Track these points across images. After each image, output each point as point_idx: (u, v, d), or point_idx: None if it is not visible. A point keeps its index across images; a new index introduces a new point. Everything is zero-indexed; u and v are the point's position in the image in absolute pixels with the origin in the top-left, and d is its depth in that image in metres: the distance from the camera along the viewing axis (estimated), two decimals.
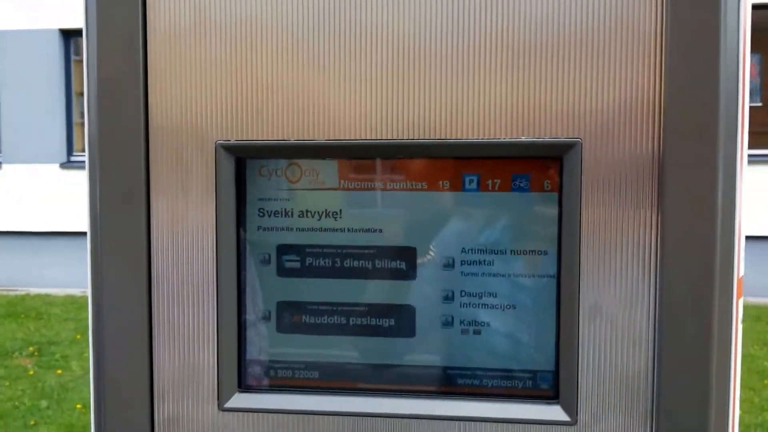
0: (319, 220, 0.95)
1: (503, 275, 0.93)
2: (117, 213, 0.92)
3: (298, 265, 0.95)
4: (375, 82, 0.89)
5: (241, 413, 0.94)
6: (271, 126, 0.91)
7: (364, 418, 0.93)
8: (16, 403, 6.06)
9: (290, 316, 0.96)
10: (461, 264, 0.93)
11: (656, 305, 0.87)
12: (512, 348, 0.94)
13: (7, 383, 6.46)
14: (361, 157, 0.93)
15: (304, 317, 0.96)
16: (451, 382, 0.94)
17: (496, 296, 0.93)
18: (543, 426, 0.90)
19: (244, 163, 0.94)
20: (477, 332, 0.94)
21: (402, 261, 0.94)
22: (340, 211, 0.94)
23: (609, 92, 0.85)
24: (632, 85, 0.85)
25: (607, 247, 0.88)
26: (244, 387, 0.95)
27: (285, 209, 0.95)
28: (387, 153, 0.92)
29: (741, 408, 5.71)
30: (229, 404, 0.94)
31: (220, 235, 0.92)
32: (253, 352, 0.96)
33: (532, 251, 0.92)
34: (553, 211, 0.90)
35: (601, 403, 0.89)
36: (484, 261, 0.93)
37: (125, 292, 0.92)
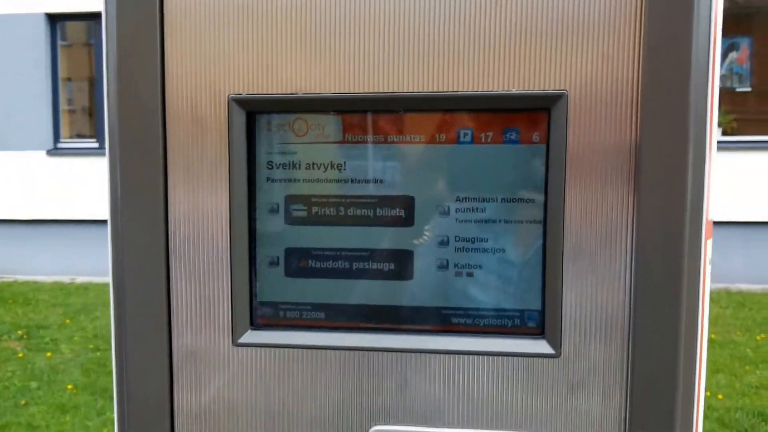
0: (324, 171, 1.02)
1: (494, 221, 1.01)
2: (136, 160, 0.99)
3: (304, 213, 1.03)
4: (377, 38, 0.97)
5: (252, 348, 1.02)
6: (280, 80, 0.98)
7: (366, 352, 1.01)
8: (6, 384, 6.11)
9: (297, 262, 1.04)
10: (456, 211, 1.01)
11: (633, 246, 0.95)
12: (502, 289, 1.02)
13: None
14: (363, 110, 1.00)
15: (310, 262, 1.03)
16: (445, 321, 1.03)
17: (487, 241, 1.01)
18: (530, 358, 0.98)
19: (254, 118, 1.01)
20: (470, 274, 1.02)
21: (401, 209, 1.02)
22: (344, 163, 1.02)
23: (593, 46, 0.93)
24: (615, 40, 0.93)
25: (590, 194, 0.96)
26: (255, 325, 1.03)
27: (292, 162, 1.02)
28: (386, 105, 0.99)
29: (722, 393, 5.85)
30: (242, 340, 1.01)
31: (233, 185, 1.00)
32: (263, 295, 1.04)
33: (521, 199, 1.00)
34: (541, 161, 0.98)
35: (582, 336, 0.97)
36: (477, 208, 1.01)
37: (144, 234, 0.99)
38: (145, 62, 0.97)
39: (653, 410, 0.95)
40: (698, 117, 0.91)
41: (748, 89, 9.82)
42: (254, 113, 1.01)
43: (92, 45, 10.78)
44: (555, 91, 0.95)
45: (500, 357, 0.99)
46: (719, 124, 9.60)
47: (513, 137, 0.99)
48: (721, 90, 9.70)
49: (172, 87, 0.98)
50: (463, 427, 1.00)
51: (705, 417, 5.38)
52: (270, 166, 1.03)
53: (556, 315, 0.98)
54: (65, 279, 10.17)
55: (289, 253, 1.04)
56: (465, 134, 1.00)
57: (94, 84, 10.73)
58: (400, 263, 1.02)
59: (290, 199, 1.03)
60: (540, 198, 0.99)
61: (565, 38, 0.94)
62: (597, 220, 0.96)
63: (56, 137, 10.56)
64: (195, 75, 0.98)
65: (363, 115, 1.01)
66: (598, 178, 0.95)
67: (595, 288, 0.97)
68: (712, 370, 6.42)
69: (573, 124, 0.94)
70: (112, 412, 5.45)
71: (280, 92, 0.98)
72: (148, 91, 0.97)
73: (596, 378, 0.97)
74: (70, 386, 6.12)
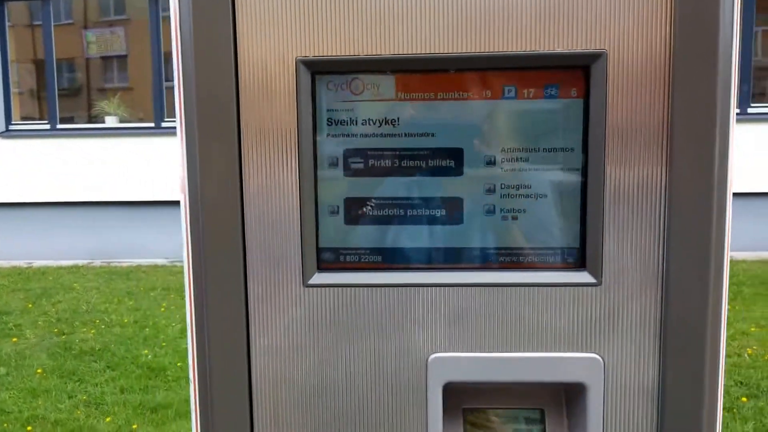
0: (379, 127, 1.12)
1: (536, 169, 1.12)
2: (214, 122, 1.08)
3: (361, 166, 1.13)
4: (429, 3, 1.07)
5: (320, 288, 1.11)
6: (341, 43, 1.08)
7: (422, 288, 1.12)
8: None
9: (355, 210, 1.13)
10: (501, 161, 1.12)
11: (667, 190, 1.07)
12: (544, 230, 1.13)
13: None
14: (415, 70, 1.10)
15: (367, 210, 1.13)
16: (494, 260, 1.14)
17: (530, 187, 1.12)
18: (574, 288, 1.10)
19: (315, 78, 1.11)
20: (515, 218, 1.13)
21: (451, 160, 1.12)
22: (398, 118, 1.12)
23: (630, 10, 1.05)
24: (650, 5, 1.04)
25: (627, 144, 1.07)
26: (321, 268, 1.13)
27: (350, 118, 1.12)
28: (436, 65, 1.09)
29: None
30: (311, 281, 1.11)
31: (301, 141, 1.09)
32: (325, 241, 1.14)
33: (561, 148, 1.11)
34: (579, 114, 1.10)
35: (620, 268, 1.09)
36: (521, 158, 1.12)
37: (221, 189, 1.08)
38: (219, 30, 1.06)
39: (685, 334, 1.07)
40: (725, 80, 1.03)
41: None
42: (317, 74, 1.10)
43: (36, 26, 10.60)
44: (595, 50, 1.06)
45: (546, 287, 1.10)
46: None
47: (553, 93, 1.10)
48: None
49: (243, 52, 1.07)
50: (512, 351, 1.12)
51: None
52: (330, 123, 1.12)
53: (597, 249, 1.09)
54: (22, 264, 10.06)
55: (348, 202, 1.13)
56: (509, 90, 1.10)
57: (42, 66, 10.53)
58: (451, 210, 1.13)
59: (348, 153, 1.12)
60: (578, 147, 1.10)
61: (605, 2, 1.05)
62: (634, 167, 1.08)
63: (8, 119, 10.37)
64: (265, 40, 1.07)
65: (415, 74, 1.11)
66: (635, 130, 1.07)
67: (633, 224, 1.09)
68: None
69: (612, 80, 1.06)
70: (83, 395, 5.48)
71: (340, 54, 1.07)
72: (223, 57, 1.06)
73: (633, 305, 1.10)
74: (39, 370, 6.10)
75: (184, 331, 7.04)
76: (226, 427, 1.13)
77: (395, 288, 1.12)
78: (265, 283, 1.11)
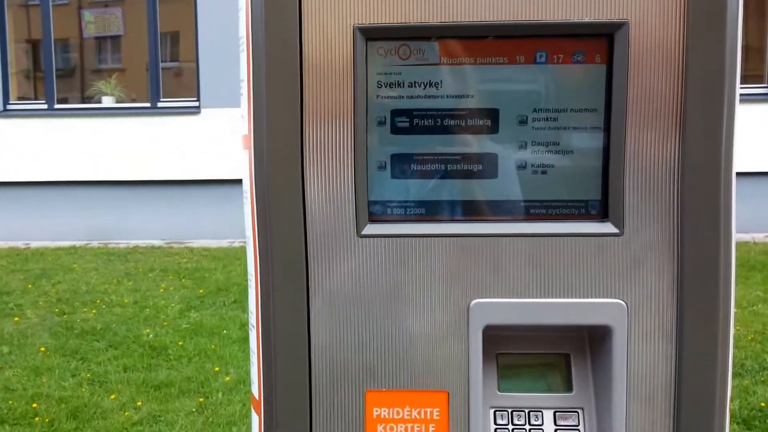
0: (424, 89, 1.23)
1: (564, 128, 1.23)
2: (279, 83, 1.19)
3: (407, 125, 1.24)
4: None
5: (371, 238, 1.23)
6: (391, 11, 1.19)
7: (463, 239, 1.23)
8: None
9: (401, 165, 1.24)
10: (533, 120, 1.23)
11: (681, 148, 1.19)
12: (570, 184, 1.25)
13: None
14: (457, 36, 1.21)
15: (412, 166, 1.24)
16: (525, 211, 1.25)
17: (558, 144, 1.23)
18: (598, 238, 1.22)
19: (368, 44, 1.22)
20: (544, 172, 1.24)
21: (488, 119, 1.23)
22: (441, 81, 1.23)
23: None
24: None
25: (646, 106, 1.19)
26: (372, 220, 1.24)
27: (397, 81, 1.23)
28: (476, 32, 1.21)
29: None
30: (364, 232, 1.22)
31: (357, 102, 1.20)
32: (375, 195, 1.25)
33: (586, 109, 1.22)
34: (603, 78, 1.21)
35: (641, 219, 1.21)
36: (550, 117, 1.23)
37: (282, 145, 1.19)
38: (285, 2, 1.17)
39: (701, 281, 1.19)
40: (732, 47, 1.15)
41: None
42: (370, 40, 1.21)
43: (32, 6, 10.60)
44: (619, 20, 1.17)
45: (573, 237, 1.22)
46: None
47: (580, 58, 1.22)
48: None
49: (307, 21, 1.19)
50: (545, 297, 1.23)
51: None
52: (379, 86, 1.23)
53: (619, 202, 1.21)
54: (20, 244, 10.11)
55: (394, 158, 1.24)
56: (541, 56, 1.22)
57: (38, 46, 10.53)
58: (487, 164, 1.24)
59: (395, 113, 1.24)
60: (601, 108, 1.21)
61: None
62: (652, 124, 1.19)
63: (6, 99, 10.35)
64: (326, 9, 1.18)
65: (457, 40, 1.22)
66: (653, 93, 1.19)
67: (652, 177, 1.20)
68: None
69: (633, 48, 1.17)
70: (87, 373, 5.58)
71: (391, 22, 1.18)
72: (289, 26, 1.18)
73: (652, 254, 1.21)
74: (42, 348, 6.18)
75: (183, 311, 7.13)
76: (286, 365, 1.24)
77: (437, 238, 1.23)
78: (323, 230, 1.22)
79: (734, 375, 5.29)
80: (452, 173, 1.25)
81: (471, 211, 1.26)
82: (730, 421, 4.53)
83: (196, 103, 10.08)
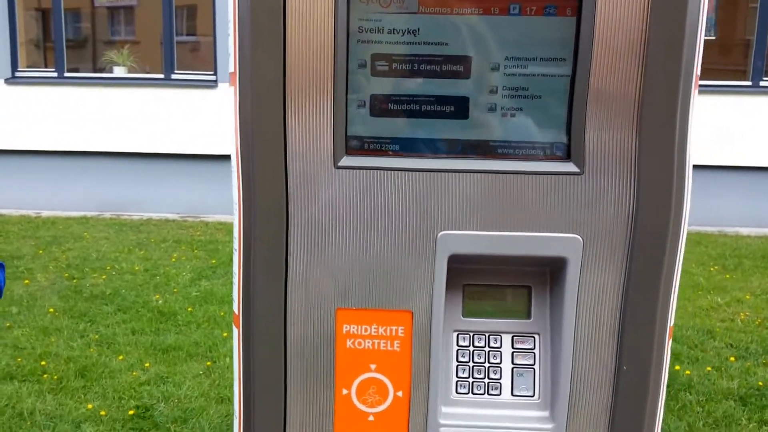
0: (402, 36, 1.33)
1: (534, 75, 1.33)
2: (264, 24, 1.29)
3: (386, 68, 1.34)
4: None
5: (348, 170, 1.33)
6: None
7: (434, 173, 1.34)
8: None
9: (379, 105, 1.35)
10: (504, 67, 1.33)
11: (640, 95, 1.28)
12: (537, 126, 1.35)
13: None
14: None
15: (389, 105, 1.35)
16: (493, 151, 1.35)
17: (527, 90, 1.33)
18: (561, 176, 1.32)
19: None
20: (513, 116, 1.34)
21: (461, 65, 1.33)
22: (418, 29, 1.33)
23: None
24: None
25: (609, 56, 1.29)
26: (349, 153, 1.35)
27: (378, 27, 1.33)
28: None
29: (675, 314, 6.33)
30: (340, 163, 1.33)
31: (337, 45, 1.31)
32: (354, 130, 1.35)
33: (555, 58, 1.32)
34: (572, 29, 1.31)
35: (601, 160, 1.31)
36: (520, 65, 1.33)
37: (264, 82, 1.30)
38: None
39: (653, 211, 1.30)
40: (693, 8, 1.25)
41: (713, 38, 10.33)
42: None
43: None
44: None
45: (537, 176, 1.32)
46: None
47: (551, 11, 1.31)
48: None
49: None
50: (507, 231, 1.34)
51: None
52: (360, 31, 1.33)
53: (580, 143, 1.31)
54: (31, 213, 10.26)
55: (373, 98, 1.35)
56: (514, 7, 1.32)
57: (48, 14, 10.59)
58: (459, 106, 1.34)
59: (375, 57, 1.34)
60: (569, 57, 1.31)
61: None
62: (615, 71, 1.29)
63: (14, 66, 10.42)
64: None
65: None
66: (617, 45, 1.29)
67: (611, 122, 1.30)
68: None
69: (600, 2, 1.27)
70: (95, 335, 5.72)
71: None
72: None
73: (609, 193, 1.32)
74: (51, 309, 6.32)
75: (194, 280, 7.25)
76: (264, 284, 1.36)
77: (410, 172, 1.34)
78: (302, 163, 1.33)
79: (738, 357, 5.40)
80: (426, 113, 1.35)
81: (442, 148, 1.36)
82: (728, 399, 4.63)
83: (213, 77, 10.15)
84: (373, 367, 1.39)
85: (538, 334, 1.41)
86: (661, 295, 1.32)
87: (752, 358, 5.46)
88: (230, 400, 4.75)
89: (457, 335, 1.42)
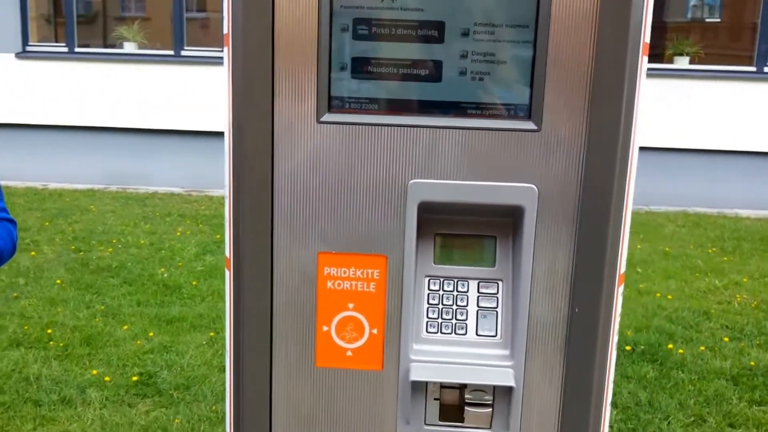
0: (382, 2, 1.46)
1: (501, 41, 1.46)
2: None
3: (367, 32, 1.47)
4: None
5: (329, 125, 1.47)
6: None
7: (408, 129, 1.47)
8: None
9: (360, 67, 1.48)
10: (474, 33, 1.46)
11: (593, 54, 1.41)
12: (502, 89, 1.47)
13: None
14: None
15: (369, 67, 1.48)
16: (463, 111, 1.48)
17: (494, 55, 1.46)
18: (521, 132, 1.45)
19: None
20: (481, 79, 1.47)
21: (435, 30, 1.46)
22: None
23: None
24: None
25: (566, 23, 1.41)
26: (331, 111, 1.48)
27: None
28: None
29: (672, 295, 6.47)
30: (323, 119, 1.47)
31: (321, 10, 1.43)
32: (335, 90, 1.48)
33: (519, 25, 1.45)
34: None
35: (556, 118, 1.44)
36: (488, 31, 1.46)
37: (255, 40, 1.43)
38: None
39: (600, 172, 1.43)
40: None
41: (718, 20, 10.36)
42: None
43: None
44: None
45: (500, 132, 1.46)
46: (686, 54, 10.14)
47: None
48: (690, 20, 10.17)
49: None
50: (471, 180, 1.47)
51: (654, 315, 6.01)
52: None
53: (539, 104, 1.44)
54: (37, 185, 10.41)
55: (355, 60, 1.48)
56: None
57: None
58: (432, 69, 1.47)
59: (356, 22, 1.47)
60: (532, 25, 1.44)
61: None
62: (570, 35, 1.42)
63: (25, 40, 10.50)
64: None
65: None
66: (573, 13, 1.41)
67: (568, 81, 1.43)
68: (664, 277, 7.05)
69: None
70: (101, 306, 5.87)
71: None
72: None
73: (563, 148, 1.45)
74: (58, 281, 6.47)
75: (199, 255, 7.39)
76: (252, 229, 1.50)
77: (386, 127, 1.47)
78: (286, 117, 1.47)
79: (732, 339, 5.53)
80: (403, 76, 1.48)
81: (417, 108, 1.49)
82: (720, 378, 4.76)
83: (222, 54, 10.25)
84: (350, 306, 1.53)
85: (502, 280, 1.55)
86: (609, 244, 1.45)
87: (747, 339, 5.59)
88: None
89: (429, 280, 1.56)
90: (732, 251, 8.05)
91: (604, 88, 1.41)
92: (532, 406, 1.54)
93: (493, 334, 1.55)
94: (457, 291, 1.55)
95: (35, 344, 5.20)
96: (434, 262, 1.56)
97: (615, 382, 4.78)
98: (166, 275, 6.74)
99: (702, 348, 5.40)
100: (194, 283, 6.54)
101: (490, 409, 1.55)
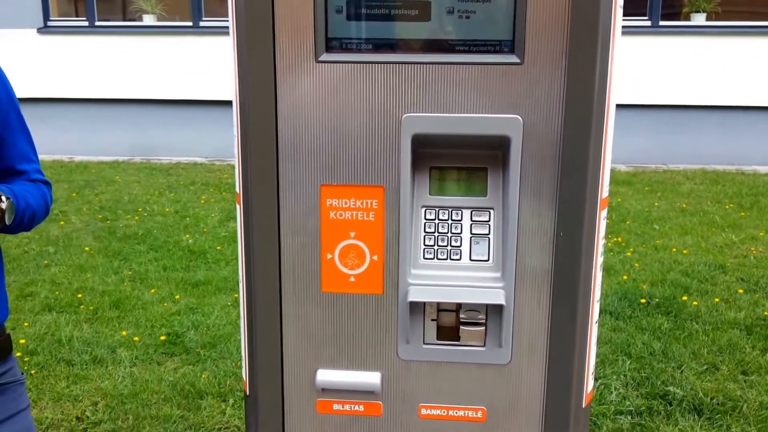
0: None
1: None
2: None
3: None
4: None
5: (327, 64, 1.58)
6: None
7: (398, 65, 1.58)
8: (25, 249, 6.61)
9: (355, 9, 1.58)
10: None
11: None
12: (488, 26, 1.57)
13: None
14: None
15: (363, 9, 1.58)
16: (450, 48, 1.58)
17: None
18: (506, 66, 1.55)
19: None
20: (468, 17, 1.57)
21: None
22: None
23: None
24: None
25: None
26: (328, 51, 1.59)
27: None
28: None
29: (689, 250, 6.53)
30: (321, 58, 1.58)
31: None
32: (333, 32, 1.59)
33: None
34: None
35: (537, 52, 1.55)
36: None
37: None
38: None
39: (579, 94, 1.53)
40: None
41: None
42: None
43: None
44: None
45: (486, 66, 1.56)
46: (703, 10, 10.08)
47: None
48: None
49: None
50: (460, 113, 1.58)
51: (669, 269, 6.09)
52: None
53: (522, 39, 1.54)
54: (64, 158, 10.61)
55: (349, 3, 1.58)
56: None
57: None
58: (422, 10, 1.57)
59: None
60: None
61: None
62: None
63: (46, 15, 10.65)
64: None
65: None
66: None
67: (546, 23, 1.53)
68: (680, 233, 7.12)
69: None
70: (128, 271, 6.06)
71: None
72: None
73: (544, 80, 1.55)
74: (87, 248, 6.67)
75: (223, 221, 7.56)
76: (259, 162, 1.63)
77: (380, 65, 1.58)
78: (288, 57, 1.58)
79: (747, 291, 5.61)
80: (395, 17, 1.58)
81: (408, 46, 1.59)
82: (734, 328, 4.84)
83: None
84: (352, 234, 1.65)
85: (493, 209, 1.66)
86: (590, 170, 1.56)
87: (761, 291, 5.66)
88: None
89: (425, 210, 1.67)
90: (750, 207, 8.08)
91: (580, 21, 1.50)
92: (523, 325, 1.66)
93: (486, 258, 1.66)
94: (452, 219, 1.67)
95: (66, 308, 5.40)
96: (429, 194, 1.68)
97: (629, 334, 4.89)
98: (191, 241, 6.91)
99: (716, 300, 5.48)
100: (218, 248, 6.71)
101: (484, 328, 1.66)
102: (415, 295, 1.64)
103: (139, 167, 10.19)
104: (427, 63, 1.57)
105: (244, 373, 1.77)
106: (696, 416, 3.98)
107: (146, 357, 4.68)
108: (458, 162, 1.67)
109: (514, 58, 1.55)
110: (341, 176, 1.63)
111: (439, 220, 1.67)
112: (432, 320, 1.69)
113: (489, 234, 1.66)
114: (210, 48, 10.27)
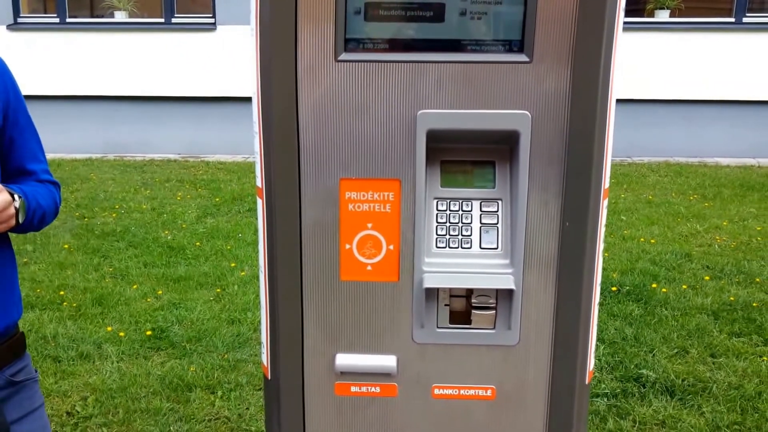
0: None
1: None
2: None
3: None
4: None
5: (346, 63, 1.67)
6: None
7: (415, 64, 1.67)
8: None
9: (372, 11, 1.67)
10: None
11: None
12: (499, 27, 1.67)
13: None
14: None
15: (381, 11, 1.67)
16: (464, 47, 1.68)
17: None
18: (515, 65, 1.65)
19: None
20: (479, 18, 1.67)
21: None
22: None
23: None
24: None
25: None
26: (347, 50, 1.67)
27: None
28: None
29: (655, 239, 6.71)
30: (340, 57, 1.66)
31: None
32: (352, 32, 1.67)
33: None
34: None
35: (544, 51, 1.64)
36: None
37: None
38: None
39: (584, 89, 1.64)
40: None
41: None
42: None
43: None
44: None
45: (496, 64, 1.66)
46: (666, 6, 10.29)
47: None
48: None
49: None
50: (475, 109, 1.67)
51: (638, 258, 6.26)
52: None
53: (531, 38, 1.64)
54: (54, 157, 10.48)
55: (367, 5, 1.67)
56: None
57: None
58: (436, 11, 1.66)
59: None
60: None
61: None
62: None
63: (16, 12, 10.57)
64: None
65: None
66: None
67: (553, 24, 1.63)
68: (647, 224, 7.31)
69: None
70: (109, 268, 6.07)
71: None
72: None
73: (552, 76, 1.65)
74: (66, 245, 6.66)
75: (200, 217, 7.58)
76: (281, 159, 1.71)
77: (397, 63, 1.67)
78: (309, 57, 1.66)
79: (713, 278, 5.80)
80: (411, 18, 1.67)
81: (423, 46, 1.69)
82: (701, 313, 5.01)
83: (211, 20, 10.35)
84: (369, 225, 1.74)
85: (501, 199, 1.76)
86: (594, 162, 1.67)
87: (726, 277, 5.86)
88: (240, 322, 5.13)
89: (437, 201, 1.77)
90: (713, 197, 8.32)
91: (587, 21, 1.60)
92: (530, 309, 1.76)
93: (495, 246, 1.77)
94: (462, 210, 1.77)
95: (49, 306, 5.40)
96: (441, 186, 1.77)
97: (602, 320, 5.04)
98: (169, 237, 6.93)
99: (684, 287, 5.66)
100: (197, 244, 6.75)
101: (494, 312, 1.77)
102: (429, 282, 1.74)
103: (113, 164, 10.14)
104: (440, 62, 1.67)
105: (266, 359, 1.86)
106: (669, 397, 4.16)
107: (133, 352, 4.71)
108: (468, 156, 1.77)
109: (523, 57, 1.65)
110: (359, 170, 1.72)
111: (450, 210, 1.77)
112: (445, 305, 1.79)
113: (498, 223, 1.76)
114: (182, 45, 10.26)
